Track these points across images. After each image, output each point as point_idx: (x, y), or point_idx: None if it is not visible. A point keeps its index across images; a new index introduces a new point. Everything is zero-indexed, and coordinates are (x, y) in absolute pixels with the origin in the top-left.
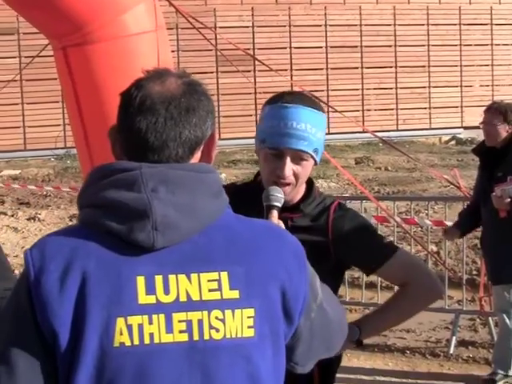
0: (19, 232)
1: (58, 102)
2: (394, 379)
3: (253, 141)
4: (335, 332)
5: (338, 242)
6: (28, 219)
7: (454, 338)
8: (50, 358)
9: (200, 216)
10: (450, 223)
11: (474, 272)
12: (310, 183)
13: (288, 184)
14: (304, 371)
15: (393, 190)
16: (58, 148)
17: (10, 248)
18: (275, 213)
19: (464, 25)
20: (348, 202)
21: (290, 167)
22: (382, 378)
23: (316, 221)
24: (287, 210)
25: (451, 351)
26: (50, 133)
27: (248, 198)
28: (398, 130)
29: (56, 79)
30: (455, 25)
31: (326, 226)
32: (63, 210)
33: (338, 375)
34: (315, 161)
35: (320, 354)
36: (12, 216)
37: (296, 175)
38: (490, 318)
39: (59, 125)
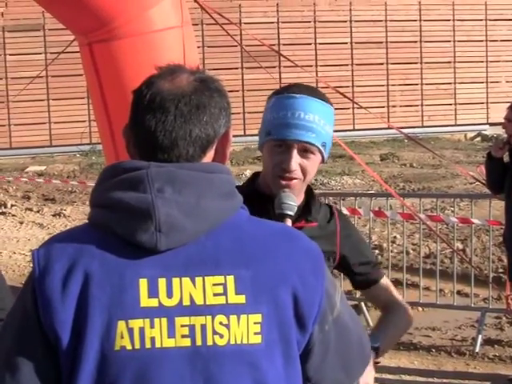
0: (45, 228)
1: (83, 98)
2: (419, 378)
3: None
4: (354, 353)
5: (344, 251)
6: (53, 215)
7: (480, 336)
8: (54, 359)
9: (207, 217)
10: (476, 220)
11: (501, 270)
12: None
13: (294, 178)
14: None
15: (418, 187)
16: (83, 144)
17: (36, 244)
18: (289, 222)
19: (490, 20)
20: (374, 198)
21: (296, 160)
22: (408, 377)
23: (325, 228)
24: (299, 218)
25: (477, 350)
26: (75, 129)
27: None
28: (423, 127)
29: (82, 75)
30: (481, 20)
31: (335, 235)
32: (88, 206)
33: None
34: (322, 157)
35: (336, 374)
36: (38, 212)
37: (303, 170)
38: None
39: (85, 121)
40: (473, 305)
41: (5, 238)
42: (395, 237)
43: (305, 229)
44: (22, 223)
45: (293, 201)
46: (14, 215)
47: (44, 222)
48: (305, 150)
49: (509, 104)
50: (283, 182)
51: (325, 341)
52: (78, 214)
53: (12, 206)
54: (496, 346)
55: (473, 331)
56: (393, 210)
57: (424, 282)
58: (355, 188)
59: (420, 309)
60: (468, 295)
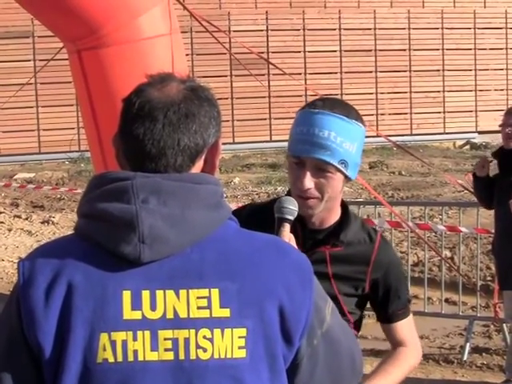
0: (33, 235)
1: (72, 105)
2: None
3: (267, 145)
4: (345, 367)
5: (378, 273)
6: (42, 222)
7: (468, 344)
8: (38, 370)
9: (192, 228)
10: (463, 229)
11: (489, 278)
12: (344, 207)
13: (311, 198)
14: None
15: (407, 195)
16: (72, 151)
17: (24, 251)
18: (287, 226)
19: (479, 29)
20: (362, 206)
21: (310, 179)
22: None
23: (358, 250)
24: (325, 241)
25: (465, 358)
26: (64, 136)
27: (262, 220)
28: (412, 135)
29: (71, 82)
30: (470, 29)
31: (370, 257)
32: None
33: None
34: (345, 175)
35: None
36: (26, 219)
37: (319, 189)
38: (504, 325)
39: (74, 128)
40: (461, 313)
41: None
42: None
43: (330, 251)
44: (10, 230)
45: (293, 205)
46: (2, 222)
47: (32, 229)
48: (319, 168)
49: (499, 112)
50: (302, 202)
51: (313, 355)
52: (66, 222)
53: (0, 213)
54: (484, 354)
55: (461, 339)
56: (381, 217)
57: (412, 290)
58: (344, 196)
59: None
60: (456, 303)
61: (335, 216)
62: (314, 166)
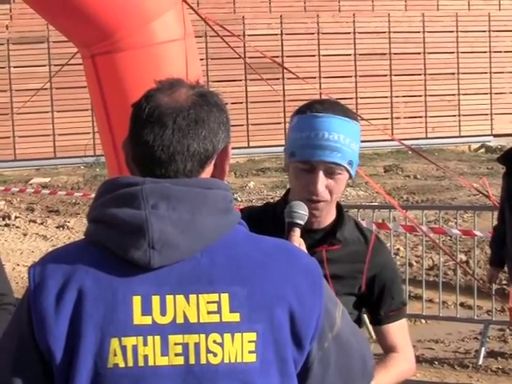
0: (48, 240)
1: (87, 110)
2: None
3: (282, 149)
4: (356, 370)
5: (373, 273)
6: (57, 227)
7: (483, 348)
8: (49, 375)
9: (202, 233)
10: (478, 233)
11: (504, 282)
12: (338, 205)
13: (322, 201)
14: None
15: (422, 199)
16: (87, 156)
17: (39, 256)
18: (298, 232)
19: (493, 31)
20: (377, 210)
21: (323, 182)
22: None
23: (354, 249)
24: (322, 240)
25: (480, 362)
26: (79, 141)
27: (259, 223)
28: (427, 138)
29: (86, 87)
30: (484, 31)
31: (365, 256)
32: None
33: None
34: (350, 174)
35: None
36: (41, 224)
37: (330, 191)
38: None
39: (89, 133)
40: (476, 317)
41: (8, 249)
42: (398, 249)
43: (327, 251)
44: (25, 235)
45: (304, 210)
46: (17, 227)
47: (48, 233)
48: (331, 171)
49: None
50: (311, 205)
51: (324, 359)
52: (81, 226)
53: (16, 217)
54: (499, 358)
55: (476, 343)
56: (396, 222)
57: (427, 294)
58: (359, 200)
59: (423, 321)
60: (471, 307)
61: (331, 216)
62: (325, 169)
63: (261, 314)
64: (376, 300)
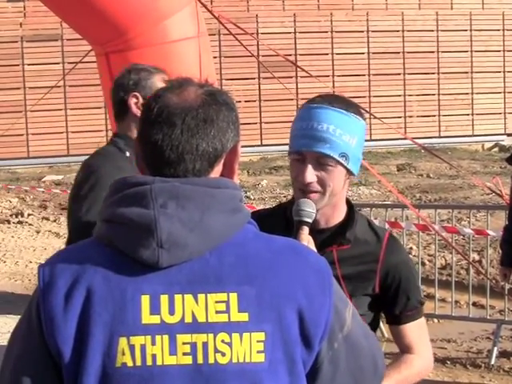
0: (61, 237)
1: (100, 107)
2: None
3: None
4: (366, 370)
5: (386, 272)
6: None
7: (496, 348)
8: (57, 374)
9: (211, 233)
10: (491, 232)
11: None
12: (349, 204)
13: (313, 192)
14: None
15: (435, 198)
16: None
17: (52, 253)
18: (306, 229)
19: (507, 30)
20: (390, 209)
21: (311, 172)
22: None
23: (366, 249)
24: (332, 240)
25: (492, 362)
26: (92, 138)
27: (271, 226)
28: (440, 137)
29: (99, 85)
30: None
31: (378, 256)
32: None
33: None
34: (348, 169)
35: None
36: (54, 221)
37: (321, 182)
38: None
39: (102, 130)
40: (488, 317)
41: (21, 247)
42: (411, 248)
43: (337, 251)
44: (38, 232)
45: (311, 208)
46: (30, 224)
47: (60, 231)
48: (319, 161)
49: None
50: (303, 196)
51: (334, 359)
52: None
53: (29, 215)
54: None
55: (488, 343)
56: (409, 220)
57: (440, 294)
58: (372, 198)
59: (435, 320)
60: (484, 307)
61: (340, 214)
62: (315, 159)
63: (269, 314)
64: (391, 299)
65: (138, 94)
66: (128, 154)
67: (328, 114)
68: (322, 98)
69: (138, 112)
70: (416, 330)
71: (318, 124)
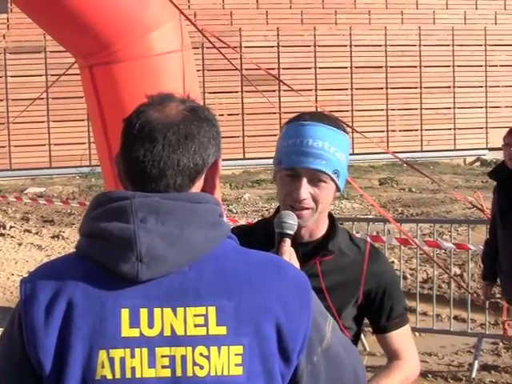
0: (43, 250)
1: (83, 120)
2: None
3: None
4: None
5: (371, 281)
6: (52, 237)
7: (477, 362)
8: None
9: (190, 247)
10: (472, 246)
11: (498, 295)
12: (331, 217)
13: (305, 208)
14: None
15: (417, 212)
16: (83, 166)
17: (34, 266)
18: (288, 241)
19: (489, 45)
20: (371, 223)
21: (306, 189)
22: None
23: (349, 260)
24: (315, 252)
25: (473, 375)
26: (75, 151)
27: (249, 241)
28: (422, 151)
29: (82, 97)
30: (481, 45)
31: (362, 265)
32: None
33: None
34: (337, 186)
35: None
36: (36, 234)
37: (314, 199)
38: None
39: (84, 143)
40: (469, 330)
41: (3, 259)
42: (393, 261)
43: (325, 261)
44: (20, 245)
45: (293, 220)
46: (12, 237)
47: (43, 243)
48: (315, 178)
49: (508, 129)
50: (296, 213)
51: (314, 372)
52: (76, 236)
53: (11, 227)
54: (493, 371)
55: (469, 357)
56: (391, 234)
57: (421, 307)
58: (354, 212)
59: (417, 334)
60: (465, 320)
61: (323, 228)
62: (309, 176)
63: (247, 328)
64: (376, 308)
65: None
66: None
67: (321, 131)
68: (311, 116)
69: None
70: (403, 336)
71: (314, 141)
